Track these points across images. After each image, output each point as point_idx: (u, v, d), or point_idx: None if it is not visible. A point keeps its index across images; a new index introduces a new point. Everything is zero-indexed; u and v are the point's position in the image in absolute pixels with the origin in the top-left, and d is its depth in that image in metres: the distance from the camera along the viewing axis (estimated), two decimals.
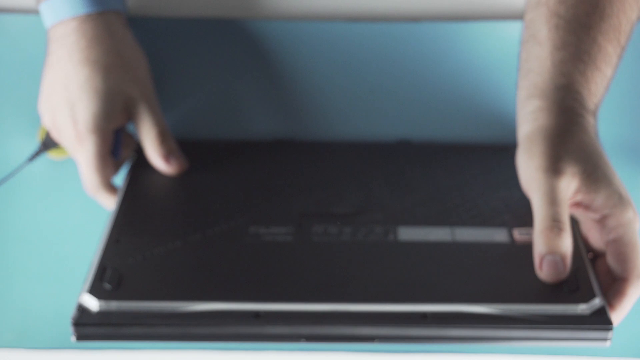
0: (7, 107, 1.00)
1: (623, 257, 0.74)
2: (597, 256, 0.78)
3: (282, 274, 0.76)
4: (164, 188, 0.90)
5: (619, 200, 0.75)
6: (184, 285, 0.74)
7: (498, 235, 0.81)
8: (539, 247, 0.73)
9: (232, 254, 0.78)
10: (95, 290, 0.72)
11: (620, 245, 0.74)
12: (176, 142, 0.94)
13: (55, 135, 0.93)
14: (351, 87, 1.01)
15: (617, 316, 0.73)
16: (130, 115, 0.92)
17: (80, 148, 0.91)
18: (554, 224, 0.73)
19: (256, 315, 0.70)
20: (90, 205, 0.99)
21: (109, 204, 0.93)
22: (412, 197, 0.87)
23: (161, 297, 0.71)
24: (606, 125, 0.91)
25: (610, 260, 0.75)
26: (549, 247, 0.73)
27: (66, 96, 0.89)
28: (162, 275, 0.75)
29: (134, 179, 0.92)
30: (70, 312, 0.73)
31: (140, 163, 0.94)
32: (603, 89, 0.83)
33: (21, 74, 1.00)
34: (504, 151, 0.96)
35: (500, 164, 0.93)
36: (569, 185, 0.75)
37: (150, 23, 1.00)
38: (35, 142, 0.99)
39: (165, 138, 0.92)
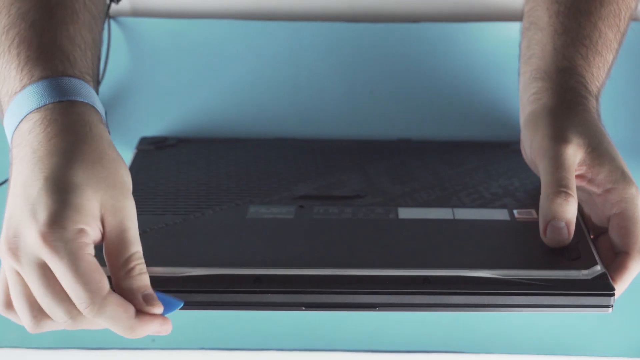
0: None
1: (625, 231, 0.74)
2: (599, 234, 0.77)
3: (283, 244, 0.76)
4: (168, 172, 0.90)
5: (622, 176, 0.75)
6: (185, 254, 0.74)
7: (499, 215, 0.81)
8: (545, 212, 0.73)
9: (233, 228, 0.78)
10: (98, 258, 0.72)
11: (622, 220, 0.74)
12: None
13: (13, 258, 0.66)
14: (351, 87, 1.02)
15: (619, 289, 0.73)
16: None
17: (53, 255, 0.65)
18: (561, 189, 0.73)
19: (257, 280, 0.70)
20: None
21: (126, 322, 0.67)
22: (412, 184, 0.87)
23: (161, 264, 0.71)
24: (606, 125, 0.91)
25: (613, 234, 0.74)
26: (555, 212, 0.72)
27: (25, 198, 0.67)
28: (163, 246, 0.75)
29: (137, 161, 0.92)
30: None
31: (144, 146, 0.95)
32: (604, 73, 0.83)
33: None
34: (503, 147, 0.96)
35: (499, 158, 0.94)
36: (575, 154, 0.75)
37: (150, 23, 1.01)
38: None
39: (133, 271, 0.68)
